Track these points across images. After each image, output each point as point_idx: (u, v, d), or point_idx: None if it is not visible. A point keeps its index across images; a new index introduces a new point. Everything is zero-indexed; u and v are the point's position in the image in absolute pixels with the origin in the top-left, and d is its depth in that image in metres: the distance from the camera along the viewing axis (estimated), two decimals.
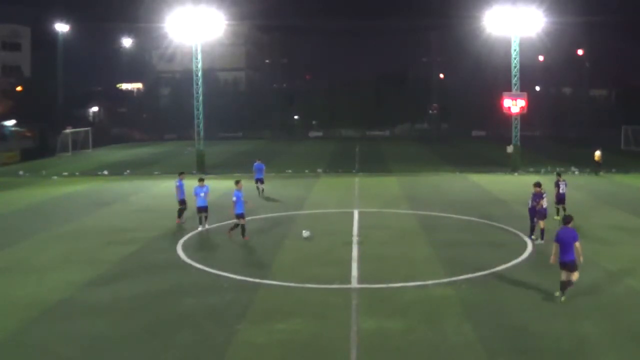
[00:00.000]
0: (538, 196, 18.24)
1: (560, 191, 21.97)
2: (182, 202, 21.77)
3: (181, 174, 22.84)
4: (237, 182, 19.31)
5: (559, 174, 23.28)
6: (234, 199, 18.73)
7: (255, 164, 29.36)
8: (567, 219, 13.22)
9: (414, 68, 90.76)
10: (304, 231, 19.14)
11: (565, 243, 12.58)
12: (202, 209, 20.67)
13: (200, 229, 20.49)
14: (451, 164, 42.41)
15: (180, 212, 21.69)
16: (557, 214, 21.51)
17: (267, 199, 27.71)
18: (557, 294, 12.84)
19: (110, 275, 15.25)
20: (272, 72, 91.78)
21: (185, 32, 38.76)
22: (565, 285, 12.69)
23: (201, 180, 21.26)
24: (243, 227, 18.69)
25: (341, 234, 19.63)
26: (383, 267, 15.79)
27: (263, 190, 28.71)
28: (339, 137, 79.74)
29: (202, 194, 20.57)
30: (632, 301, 12.89)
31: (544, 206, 18.20)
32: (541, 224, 18.09)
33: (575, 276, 12.65)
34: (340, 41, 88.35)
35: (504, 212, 23.45)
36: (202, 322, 11.93)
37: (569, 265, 12.57)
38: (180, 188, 21.85)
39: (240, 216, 18.73)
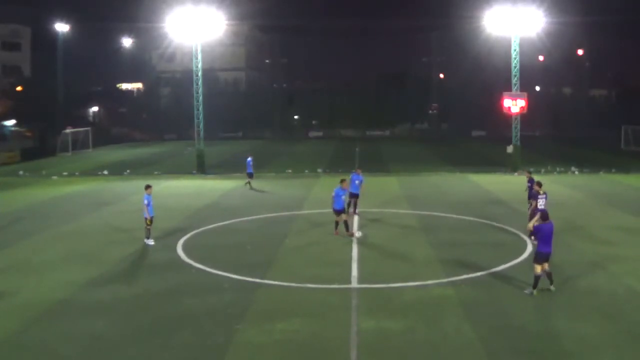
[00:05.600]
0: (535, 196, 18.14)
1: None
2: (353, 195, 22.09)
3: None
4: (342, 181, 20.09)
5: (529, 171, 22.90)
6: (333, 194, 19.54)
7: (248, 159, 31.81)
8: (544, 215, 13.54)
9: (414, 68, 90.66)
10: (357, 232, 19.17)
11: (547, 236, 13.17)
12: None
13: (152, 243, 18.50)
14: (451, 164, 42.40)
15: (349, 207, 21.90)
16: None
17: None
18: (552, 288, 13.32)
19: (110, 275, 15.26)
20: (272, 72, 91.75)
21: (185, 32, 38.74)
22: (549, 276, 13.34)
23: (148, 187, 18.94)
24: (345, 223, 19.21)
25: (341, 234, 19.62)
26: (383, 267, 15.80)
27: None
28: (339, 137, 79.69)
29: (146, 202, 18.43)
30: (632, 301, 12.89)
31: (541, 207, 17.99)
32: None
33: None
34: (340, 41, 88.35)
35: (504, 212, 23.44)
36: (202, 322, 11.93)
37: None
38: (354, 182, 22.31)
39: (340, 212, 19.32)
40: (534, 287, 13.17)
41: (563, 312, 12.21)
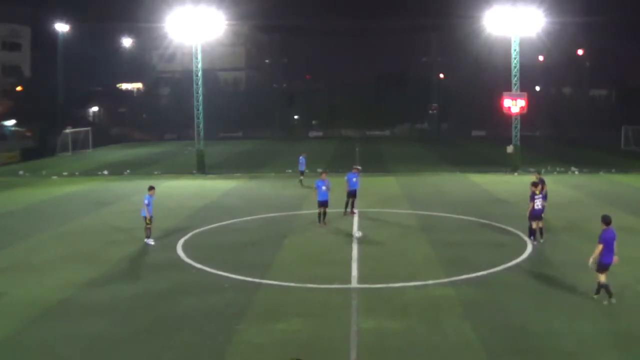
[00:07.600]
0: (531, 197, 18.08)
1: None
2: (351, 194, 22.89)
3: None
4: (321, 172, 22.47)
5: (538, 172, 22.81)
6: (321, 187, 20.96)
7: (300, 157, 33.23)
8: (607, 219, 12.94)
9: (414, 68, 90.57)
10: (356, 232, 19.39)
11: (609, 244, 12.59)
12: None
13: (152, 243, 18.59)
14: (451, 164, 42.40)
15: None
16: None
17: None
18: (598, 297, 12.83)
19: (110, 275, 15.26)
20: (272, 72, 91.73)
21: (185, 32, 38.74)
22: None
23: (152, 188, 18.94)
24: (319, 215, 21.01)
25: (341, 233, 19.65)
26: (383, 267, 15.80)
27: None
28: (339, 137, 79.66)
29: (146, 202, 18.49)
30: (632, 301, 12.90)
31: (537, 207, 17.96)
32: (534, 224, 17.98)
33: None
34: (340, 41, 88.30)
35: (504, 212, 23.44)
36: (202, 322, 11.93)
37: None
38: (351, 180, 23.02)
39: (324, 203, 20.94)
40: (597, 292, 12.76)
41: (563, 312, 12.21)
